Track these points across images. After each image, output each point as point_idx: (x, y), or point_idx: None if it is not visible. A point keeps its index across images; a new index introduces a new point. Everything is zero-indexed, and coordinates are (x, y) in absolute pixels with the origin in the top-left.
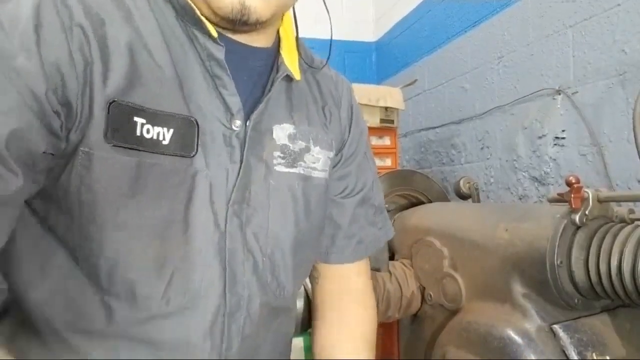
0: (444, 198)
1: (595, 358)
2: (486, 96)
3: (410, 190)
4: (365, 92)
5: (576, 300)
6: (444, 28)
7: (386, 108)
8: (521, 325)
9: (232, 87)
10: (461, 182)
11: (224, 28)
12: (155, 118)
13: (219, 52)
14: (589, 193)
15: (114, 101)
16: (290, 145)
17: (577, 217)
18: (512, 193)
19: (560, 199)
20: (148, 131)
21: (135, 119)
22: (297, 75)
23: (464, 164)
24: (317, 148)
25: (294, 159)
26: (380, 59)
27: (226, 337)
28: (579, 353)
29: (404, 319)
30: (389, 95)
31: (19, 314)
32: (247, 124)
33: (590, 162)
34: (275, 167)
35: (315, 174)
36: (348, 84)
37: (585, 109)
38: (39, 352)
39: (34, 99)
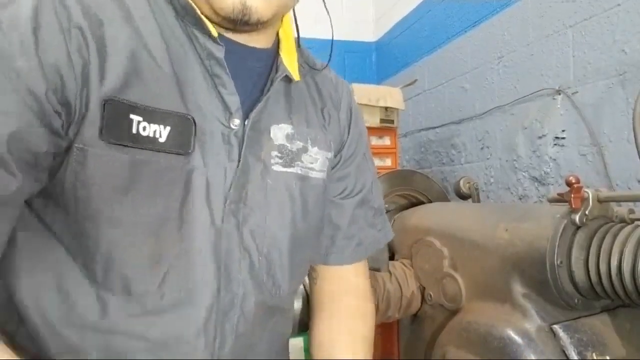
0: (444, 198)
1: (595, 358)
2: (486, 96)
3: (410, 190)
4: (365, 92)
5: (576, 300)
6: (444, 28)
7: (386, 108)
8: (521, 325)
9: (232, 87)
10: (461, 182)
11: (224, 28)
12: (151, 116)
13: (219, 52)
14: (589, 193)
15: (110, 99)
16: (288, 145)
17: (577, 217)
18: (512, 193)
19: (560, 199)
20: (144, 129)
21: (131, 116)
22: (296, 76)
23: (464, 164)
24: (315, 149)
25: (291, 158)
26: (380, 59)
27: (219, 335)
28: (579, 353)
29: (404, 319)
30: (389, 95)
31: (16, 309)
32: (246, 123)
33: (590, 162)
34: (272, 167)
35: (313, 174)
36: (348, 86)
37: (585, 109)
38: (36, 347)
39: (34, 100)
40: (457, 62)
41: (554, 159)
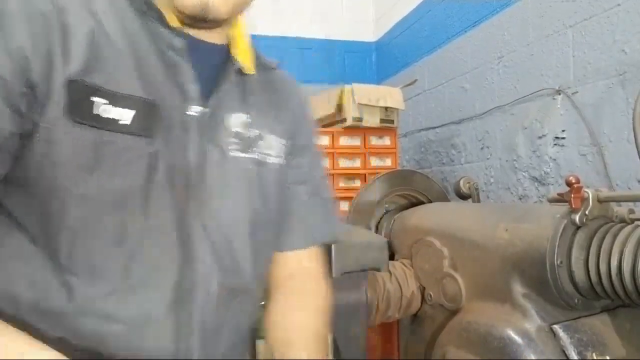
0: (444, 198)
1: (595, 358)
2: (486, 96)
3: (410, 190)
4: (365, 92)
5: (576, 300)
6: (444, 28)
7: (386, 108)
8: (521, 325)
9: (190, 75)
10: (461, 182)
11: (184, 24)
12: (115, 99)
13: (179, 43)
14: (589, 193)
15: (73, 80)
16: (245, 132)
17: (577, 217)
18: (512, 193)
19: (560, 199)
20: (108, 110)
21: (95, 98)
22: (250, 69)
23: (464, 164)
24: (272, 136)
25: (248, 145)
26: (380, 59)
27: (187, 314)
28: (579, 353)
29: (404, 319)
30: (389, 95)
31: None
32: (204, 110)
33: (590, 162)
34: (230, 152)
35: (270, 159)
36: (297, 83)
37: (585, 109)
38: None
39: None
40: (457, 62)
41: (554, 159)
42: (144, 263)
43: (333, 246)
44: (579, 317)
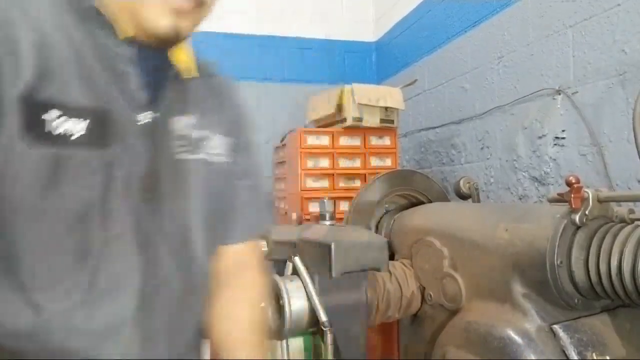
0: (444, 198)
1: (595, 358)
2: (486, 96)
3: (410, 190)
4: (365, 92)
5: (576, 300)
6: (444, 28)
7: (386, 108)
8: (521, 325)
9: (138, 83)
10: (461, 182)
11: (143, 39)
12: (68, 110)
13: (127, 52)
14: (589, 193)
15: (24, 97)
16: (191, 134)
17: (577, 217)
18: (512, 193)
19: (560, 199)
20: (62, 123)
21: (47, 115)
22: (191, 72)
23: (464, 164)
24: (216, 135)
25: (195, 146)
26: (380, 59)
27: (151, 318)
28: (579, 353)
29: (404, 319)
30: (389, 95)
31: None
32: (153, 116)
33: (590, 162)
34: (179, 155)
35: (216, 159)
36: (234, 84)
37: (585, 109)
38: None
39: None
40: (457, 62)
41: (554, 159)
42: (107, 273)
43: (333, 246)
44: (579, 317)
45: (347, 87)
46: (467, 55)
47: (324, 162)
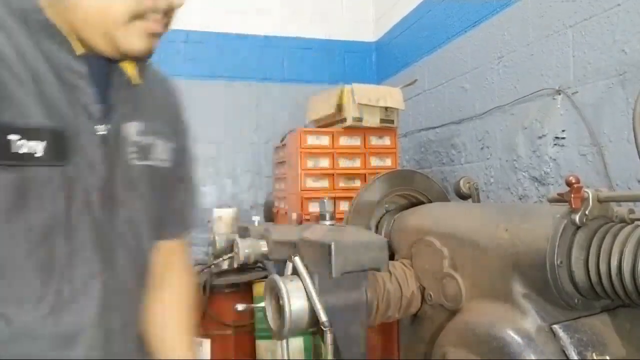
0: (444, 198)
1: (595, 358)
2: (486, 96)
3: (410, 190)
4: (365, 92)
5: (576, 300)
6: (444, 28)
7: (386, 108)
8: (521, 325)
9: (92, 96)
10: (461, 182)
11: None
12: (26, 133)
13: (82, 67)
14: (589, 193)
15: None
16: (142, 140)
17: (577, 217)
18: (512, 193)
19: (560, 199)
20: (22, 146)
21: (9, 136)
22: (137, 79)
23: (464, 164)
24: (161, 141)
25: (145, 153)
26: (380, 59)
27: (114, 317)
28: (579, 353)
29: (404, 319)
30: (389, 95)
31: None
32: (107, 127)
33: (590, 162)
34: (131, 162)
35: (162, 164)
36: (176, 87)
37: (585, 109)
38: None
39: None
40: (457, 62)
41: (554, 159)
42: (72, 282)
43: (333, 246)
44: (579, 317)
45: (347, 87)
46: (467, 55)
47: (324, 162)
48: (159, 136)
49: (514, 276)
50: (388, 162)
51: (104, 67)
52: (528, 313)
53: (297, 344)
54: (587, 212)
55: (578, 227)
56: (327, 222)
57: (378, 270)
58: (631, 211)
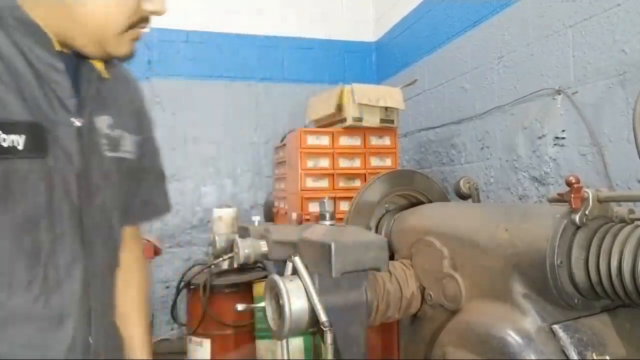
0: (444, 198)
1: (595, 358)
2: (486, 96)
3: (410, 190)
4: (365, 92)
5: (576, 300)
6: (444, 28)
7: (386, 108)
8: (521, 325)
9: (69, 91)
10: (461, 182)
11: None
12: (6, 127)
13: (59, 63)
14: (589, 193)
15: None
16: (111, 133)
17: (577, 217)
18: (512, 193)
19: (560, 199)
20: (4, 140)
21: None
22: (107, 74)
23: (464, 164)
24: (128, 134)
25: (115, 145)
26: (380, 59)
27: (94, 298)
28: (579, 353)
29: (404, 319)
30: (389, 95)
31: None
32: (81, 120)
33: (590, 162)
34: (104, 153)
35: (129, 155)
36: (139, 83)
37: (585, 109)
38: None
39: None
40: (457, 62)
41: (554, 159)
42: (58, 267)
43: (333, 246)
44: (579, 317)
45: (347, 87)
46: (467, 55)
47: (324, 162)
48: (125, 129)
49: (514, 276)
50: (388, 162)
51: (74, 61)
52: (528, 313)
53: (297, 344)
54: (587, 212)
55: (578, 227)
56: (327, 222)
57: (378, 270)
58: (631, 211)
